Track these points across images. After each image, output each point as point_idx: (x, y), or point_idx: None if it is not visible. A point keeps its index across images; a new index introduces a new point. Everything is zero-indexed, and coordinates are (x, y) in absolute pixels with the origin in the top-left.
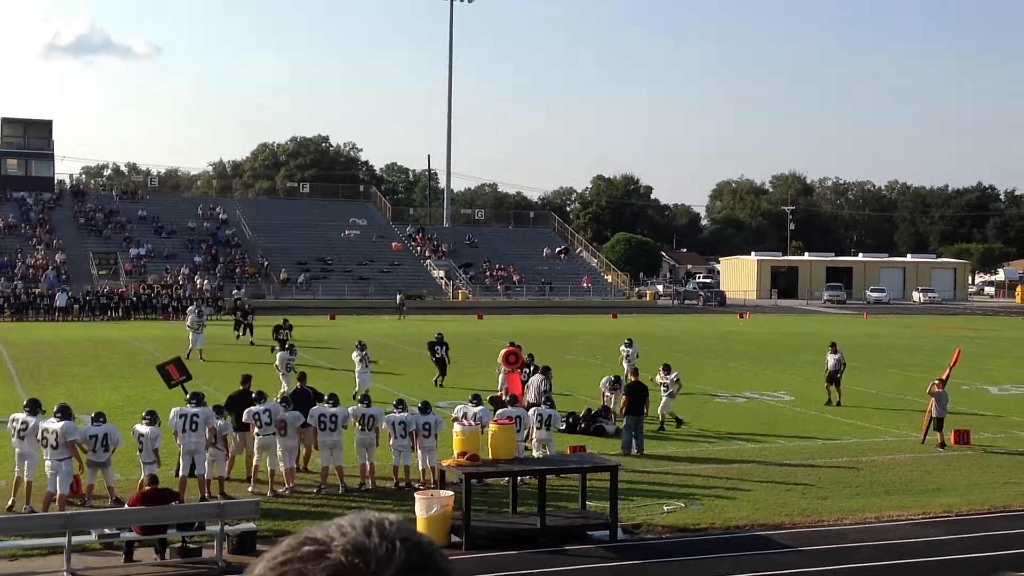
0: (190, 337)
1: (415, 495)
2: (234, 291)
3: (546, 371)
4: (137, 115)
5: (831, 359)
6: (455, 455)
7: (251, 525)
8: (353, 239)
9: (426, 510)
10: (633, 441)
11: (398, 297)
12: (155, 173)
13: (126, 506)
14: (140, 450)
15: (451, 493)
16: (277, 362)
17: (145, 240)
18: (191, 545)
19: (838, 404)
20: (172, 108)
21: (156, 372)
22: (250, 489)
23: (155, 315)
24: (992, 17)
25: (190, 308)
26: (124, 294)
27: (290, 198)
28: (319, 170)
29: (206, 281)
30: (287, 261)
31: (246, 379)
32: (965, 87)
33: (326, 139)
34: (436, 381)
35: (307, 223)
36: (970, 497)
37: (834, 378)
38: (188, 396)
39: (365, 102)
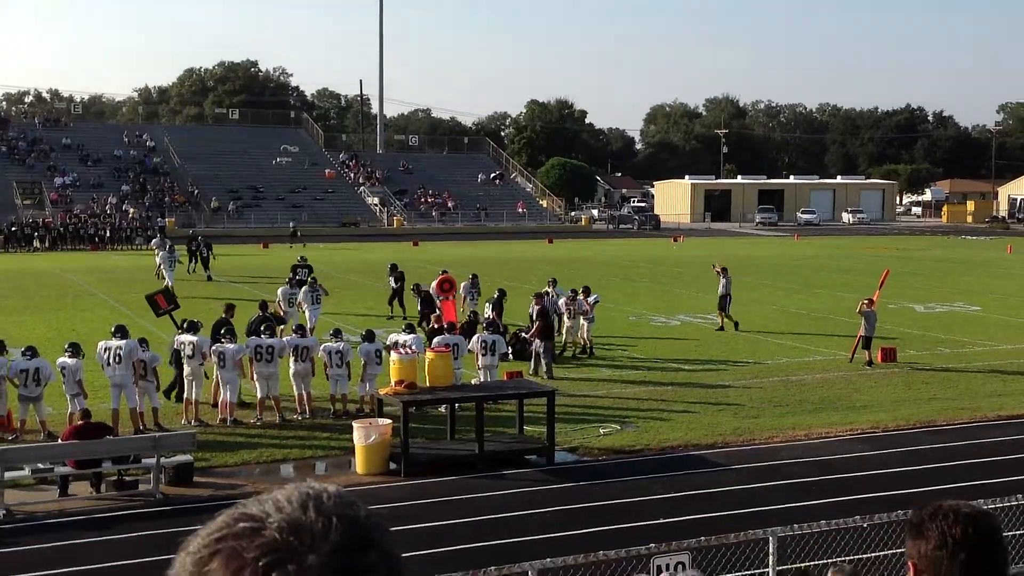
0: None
1: (353, 424)
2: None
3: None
4: (60, 39)
5: (722, 283)
6: (392, 383)
7: (187, 457)
8: (285, 166)
9: (364, 438)
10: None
11: (291, 224)
12: (79, 100)
13: (59, 440)
14: (64, 383)
15: (389, 421)
16: (279, 297)
17: (70, 169)
18: (127, 478)
19: (736, 327)
20: (95, 32)
21: (144, 301)
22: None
23: (83, 245)
24: None
25: (156, 242)
26: (50, 224)
27: (219, 125)
28: (248, 96)
29: (133, 211)
30: (218, 189)
31: (229, 308)
32: (896, 6)
33: (255, 64)
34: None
35: (237, 150)
36: (896, 413)
37: (723, 304)
38: (181, 324)
39: (295, 25)
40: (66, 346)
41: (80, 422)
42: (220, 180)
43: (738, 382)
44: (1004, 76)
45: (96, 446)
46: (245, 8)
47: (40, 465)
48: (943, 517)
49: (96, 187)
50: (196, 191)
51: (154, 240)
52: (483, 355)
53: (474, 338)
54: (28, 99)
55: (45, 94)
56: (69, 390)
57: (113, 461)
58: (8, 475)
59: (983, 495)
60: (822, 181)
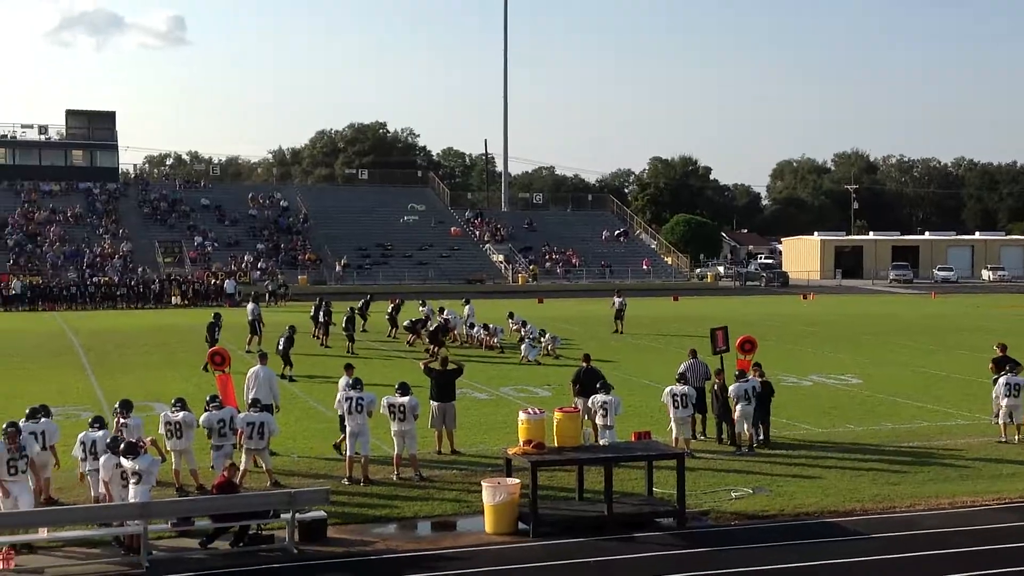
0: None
1: (482, 482)
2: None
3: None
4: (197, 104)
5: (616, 300)
6: (521, 443)
7: (321, 513)
8: (412, 224)
9: (493, 497)
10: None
11: (279, 278)
12: (216, 161)
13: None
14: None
15: (518, 480)
16: None
17: (208, 228)
18: (263, 532)
19: (619, 333)
20: (233, 96)
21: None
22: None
23: (221, 302)
24: None
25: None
26: (190, 280)
27: (348, 184)
28: (377, 156)
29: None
30: (347, 247)
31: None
32: None
33: (383, 125)
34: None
35: (366, 209)
36: None
37: (619, 315)
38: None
39: (422, 87)
40: (207, 399)
41: (225, 476)
42: (349, 238)
43: (876, 446)
44: None
45: (235, 501)
46: (374, 71)
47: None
48: None
49: (232, 246)
50: (327, 249)
51: (249, 306)
52: (603, 415)
53: (667, 390)
54: (169, 161)
55: (185, 156)
56: (216, 442)
57: (251, 516)
58: (151, 528)
59: None
60: (959, 237)
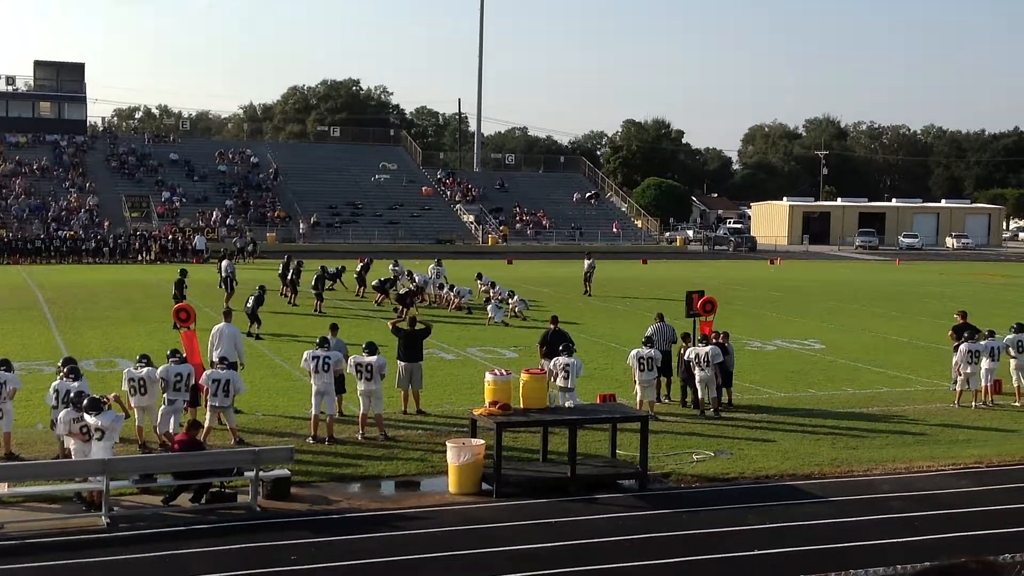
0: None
1: (447, 443)
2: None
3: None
4: (170, 57)
5: (586, 263)
6: (486, 404)
7: (285, 471)
8: (383, 183)
9: (457, 458)
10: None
11: (248, 235)
12: (186, 116)
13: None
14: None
15: (482, 441)
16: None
17: (177, 183)
18: (226, 491)
19: (588, 295)
20: (205, 50)
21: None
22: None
23: (187, 259)
24: None
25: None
26: (157, 236)
27: (320, 142)
28: (349, 114)
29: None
30: (317, 205)
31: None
32: (1002, 29)
33: (357, 83)
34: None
35: (337, 167)
36: (1001, 448)
37: (588, 277)
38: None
39: (396, 45)
40: (168, 353)
41: (185, 434)
42: (320, 196)
43: (836, 411)
44: None
45: (199, 458)
46: (348, 28)
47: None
48: None
49: (200, 201)
50: (297, 206)
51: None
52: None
53: (632, 353)
54: (138, 115)
55: (155, 110)
56: (170, 396)
57: (214, 474)
58: (113, 484)
59: None
60: (925, 205)
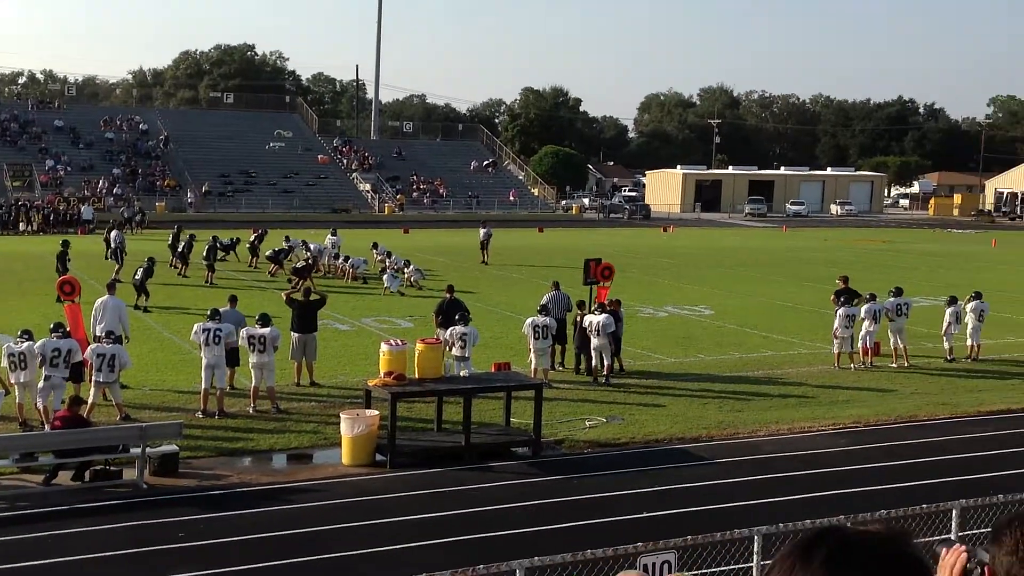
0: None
1: (341, 414)
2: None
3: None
4: (54, 18)
5: (482, 231)
6: (381, 374)
7: (173, 447)
8: (278, 151)
9: (351, 429)
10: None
11: (136, 205)
12: (72, 81)
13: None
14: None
15: (377, 412)
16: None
17: (62, 151)
18: (112, 468)
19: (485, 263)
20: (91, 12)
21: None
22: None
23: (73, 229)
24: None
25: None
26: (40, 206)
27: (213, 109)
28: (244, 80)
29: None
30: (209, 174)
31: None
32: (887, 3)
33: (251, 48)
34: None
35: (230, 134)
36: (878, 408)
37: (484, 245)
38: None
39: (292, 9)
40: (51, 327)
41: (67, 410)
42: (212, 165)
43: (723, 375)
44: (995, 69)
45: (82, 435)
46: None
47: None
48: (1019, 524)
49: (86, 170)
50: (188, 175)
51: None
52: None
53: (528, 321)
54: (22, 80)
55: (39, 75)
56: (47, 371)
57: (100, 451)
58: None
59: (960, 492)
60: (811, 172)
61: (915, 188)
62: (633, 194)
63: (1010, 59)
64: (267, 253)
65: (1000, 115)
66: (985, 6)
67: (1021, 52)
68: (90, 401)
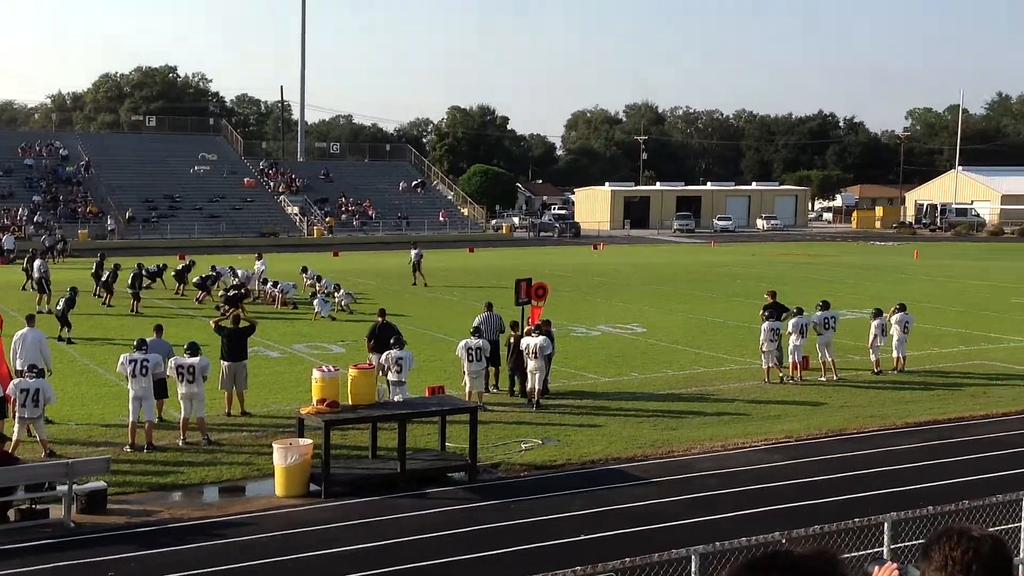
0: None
1: (273, 444)
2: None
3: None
4: None
5: (413, 253)
6: (314, 401)
7: (101, 483)
8: (202, 175)
9: (284, 459)
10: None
11: (57, 233)
12: None
13: None
14: None
15: (310, 441)
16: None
17: None
18: (37, 507)
19: (425, 285)
20: (7, 34)
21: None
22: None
23: None
24: None
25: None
26: None
27: (135, 132)
28: (166, 102)
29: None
30: (132, 199)
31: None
32: (808, 17)
33: (173, 70)
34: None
35: (153, 158)
36: (808, 423)
37: (415, 267)
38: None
39: (215, 30)
40: None
41: None
42: (135, 190)
43: (657, 393)
44: (912, 82)
45: (6, 473)
46: (163, 12)
47: None
48: (947, 539)
49: (5, 198)
50: (111, 201)
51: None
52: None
53: (461, 344)
54: None
55: None
56: None
57: (25, 489)
58: None
59: (892, 505)
60: (737, 188)
61: (838, 201)
62: (563, 212)
63: (925, 73)
64: (194, 280)
65: (918, 128)
66: (899, 21)
67: (936, 66)
68: (14, 438)
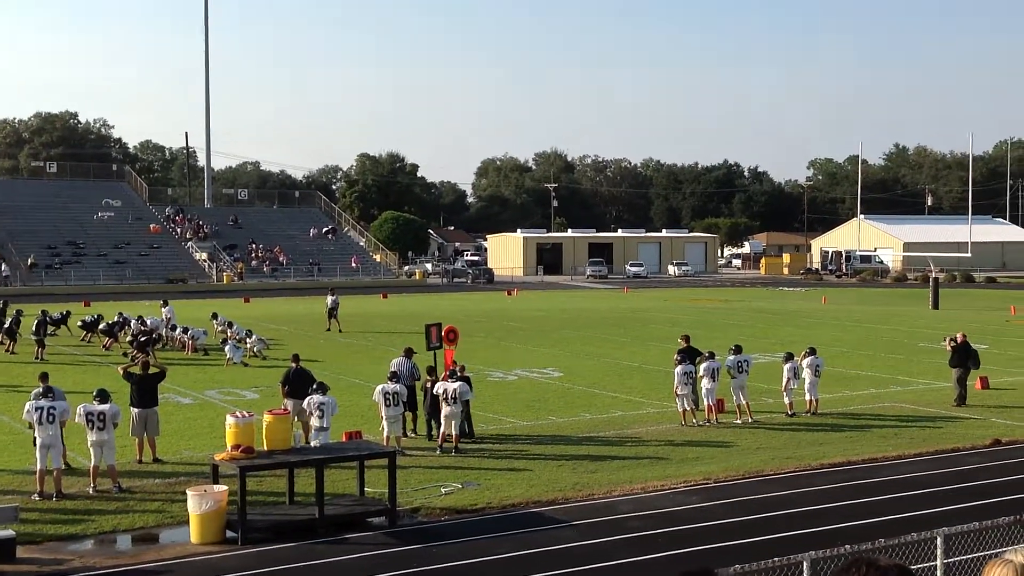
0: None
1: (187, 491)
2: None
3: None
4: None
5: (329, 299)
6: (228, 448)
7: (9, 532)
8: (107, 221)
9: (199, 506)
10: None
11: None
12: None
13: None
14: None
15: (225, 487)
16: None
17: None
18: None
19: (340, 331)
20: None
21: None
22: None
23: None
24: (737, 12)
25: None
26: None
27: (35, 178)
28: (67, 148)
29: None
30: (33, 245)
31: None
32: (710, 72)
33: (74, 116)
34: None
35: (56, 205)
36: (726, 464)
37: (331, 314)
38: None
39: (117, 76)
40: None
41: None
42: (37, 236)
43: (576, 436)
44: (812, 133)
45: None
46: (64, 57)
47: None
48: (856, 569)
49: None
50: (11, 247)
51: None
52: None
53: (378, 389)
54: None
55: None
56: None
57: None
58: None
59: (810, 544)
60: (648, 234)
61: (746, 248)
62: (476, 258)
63: (824, 124)
64: (101, 327)
65: (819, 177)
66: (798, 73)
67: (834, 117)
68: None
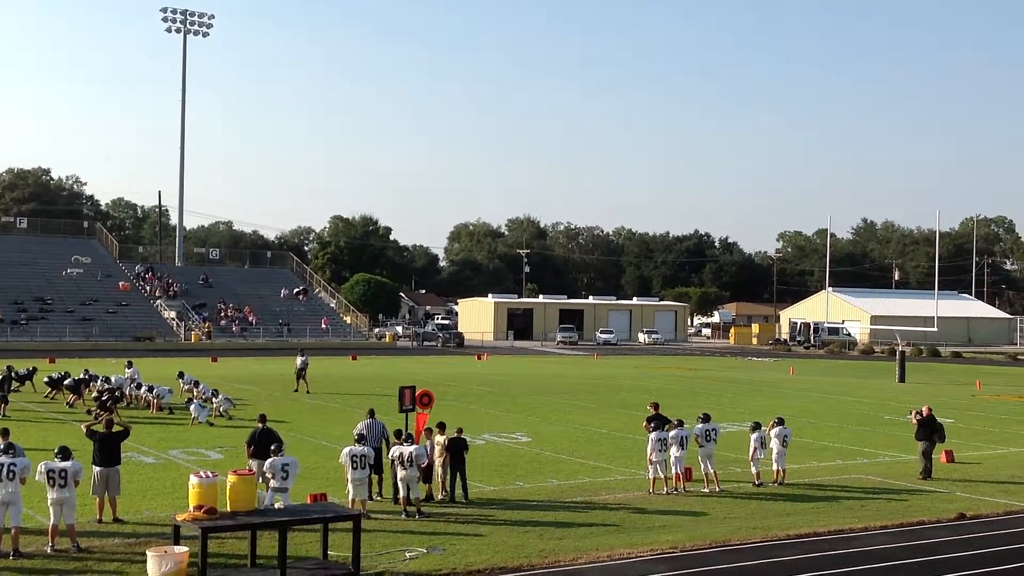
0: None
1: (147, 551)
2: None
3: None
4: None
5: (299, 360)
6: (191, 508)
7: None
8: (76, 278)
9: (159, 568)
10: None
11: None
12: None
13: None
14: None
15: (186, 549)
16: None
17: None
18: None
19: (308, 392)
20: None
21: None
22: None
23: None
24: (711, 86)
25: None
26: None
27: (5, 233)
28: (38, 204)
29: None
30: (1, 301)
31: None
32: (683, 144)
33: (47, 172)
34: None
35: (24, 260)
36: (693, 533)
37: (300, 374)
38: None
39: (91, 134)
40: None
41: None
42: (4, 291)
43: (543, 501)
44: (782, 205)
45: None
46: (37, 114)
47: None
48: None
49: None
50: None
51: None
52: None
53: (345, 451)
54: None
55: None
56: None
57: None
58: None
59: None
60: (619, 302)
61: (716, 318)
62: (446, 322)
63: (793, 197)
64: (67, 382)
65: (789, 249)
66: (765, 146)
67: (803, 190)
68: None
